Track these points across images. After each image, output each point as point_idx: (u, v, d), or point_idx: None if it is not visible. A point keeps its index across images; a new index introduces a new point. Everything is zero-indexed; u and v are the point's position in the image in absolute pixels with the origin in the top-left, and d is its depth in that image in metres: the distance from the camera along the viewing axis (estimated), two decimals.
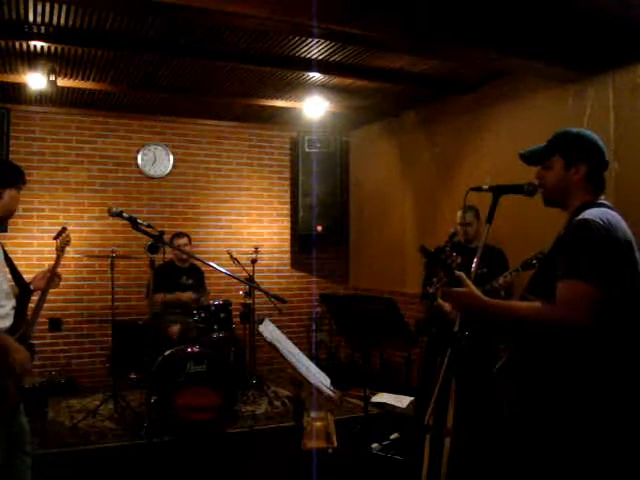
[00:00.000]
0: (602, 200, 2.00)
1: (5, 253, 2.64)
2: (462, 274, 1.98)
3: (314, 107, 5.79)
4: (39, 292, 2.77)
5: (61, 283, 2.89)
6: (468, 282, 1.97)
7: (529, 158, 2.11)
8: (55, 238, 2.93)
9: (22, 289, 2.67)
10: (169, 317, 5.24)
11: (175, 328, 5.10)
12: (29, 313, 2.69)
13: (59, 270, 2.84)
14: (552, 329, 1.81)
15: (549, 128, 2.24)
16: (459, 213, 4.20)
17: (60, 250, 2.88)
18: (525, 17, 3.75)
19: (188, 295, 5.30)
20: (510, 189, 2.10)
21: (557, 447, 1.82)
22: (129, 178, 6.45)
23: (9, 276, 2.62)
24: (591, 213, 1.87)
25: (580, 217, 1.86)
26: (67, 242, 2.93)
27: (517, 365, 2.03)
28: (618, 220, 1.89)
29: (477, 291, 1.95)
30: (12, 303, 2.55)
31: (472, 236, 4.19)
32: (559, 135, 2.08)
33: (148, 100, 5.90)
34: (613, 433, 1.80)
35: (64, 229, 2.97)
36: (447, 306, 3.97)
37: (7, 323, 2.48)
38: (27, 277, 2.78)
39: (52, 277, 2.78)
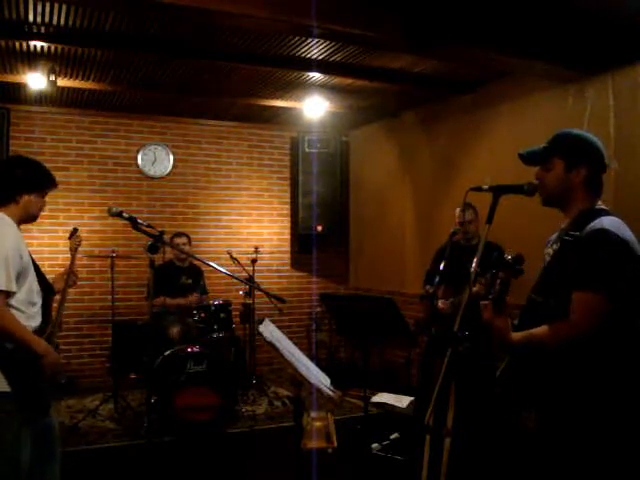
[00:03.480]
0: (603, 206, 2.00)
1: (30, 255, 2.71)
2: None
3: (314, 107, 5.79)
4: (59, 293, 2.91)
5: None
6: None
7: (528, 159, 2.10)
8: (69, 239, 3.09)
9: (46, 290, 2.74)
10: (169, 318, 5.24)
11: (175, 330, 5.09)
12: (53, 314, 2.77)
13: (75, 269, 2.98)
14: (571, 342, 1.85)
15: (549, 128, 2.24)
16: (457, 212, 4.19)
17: (74, 250, 3.05)
18: (525, 17, 3.75)
19: (189, 299, 5.30)
20: (510, 189, 2.09)
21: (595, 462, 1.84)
22: (129, 178, 6.45)
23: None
24: (610, 224, 1.86)
25: (599, 227, 1.86)
26: (79, 242, 3.09)
27: (519, 368, 2.03)
28: (630, 232, 1.90)
29: (510, 329, 1.96)
30: (40, 303, 2.62)
31: (471, 234, 4.18)
32: (559, 137, 2.07)
33: (148, 100, 5.90)
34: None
35: (76, 230, 3.12)
36: (440, 304, 3.99)
37: (36, 322, 2.54)
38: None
39: (69, 276, 2.92)
